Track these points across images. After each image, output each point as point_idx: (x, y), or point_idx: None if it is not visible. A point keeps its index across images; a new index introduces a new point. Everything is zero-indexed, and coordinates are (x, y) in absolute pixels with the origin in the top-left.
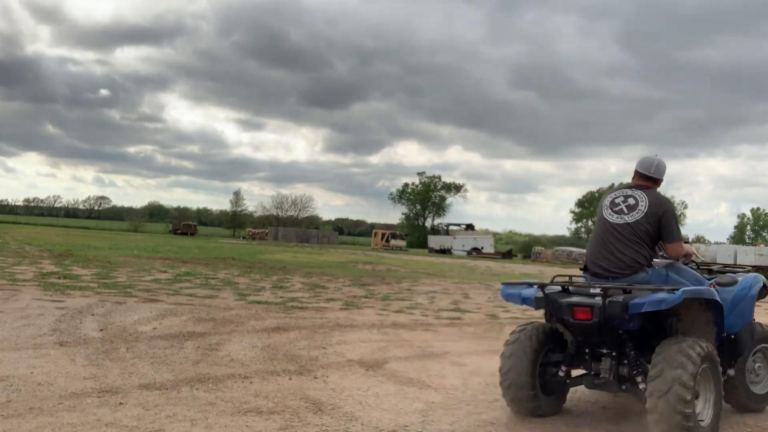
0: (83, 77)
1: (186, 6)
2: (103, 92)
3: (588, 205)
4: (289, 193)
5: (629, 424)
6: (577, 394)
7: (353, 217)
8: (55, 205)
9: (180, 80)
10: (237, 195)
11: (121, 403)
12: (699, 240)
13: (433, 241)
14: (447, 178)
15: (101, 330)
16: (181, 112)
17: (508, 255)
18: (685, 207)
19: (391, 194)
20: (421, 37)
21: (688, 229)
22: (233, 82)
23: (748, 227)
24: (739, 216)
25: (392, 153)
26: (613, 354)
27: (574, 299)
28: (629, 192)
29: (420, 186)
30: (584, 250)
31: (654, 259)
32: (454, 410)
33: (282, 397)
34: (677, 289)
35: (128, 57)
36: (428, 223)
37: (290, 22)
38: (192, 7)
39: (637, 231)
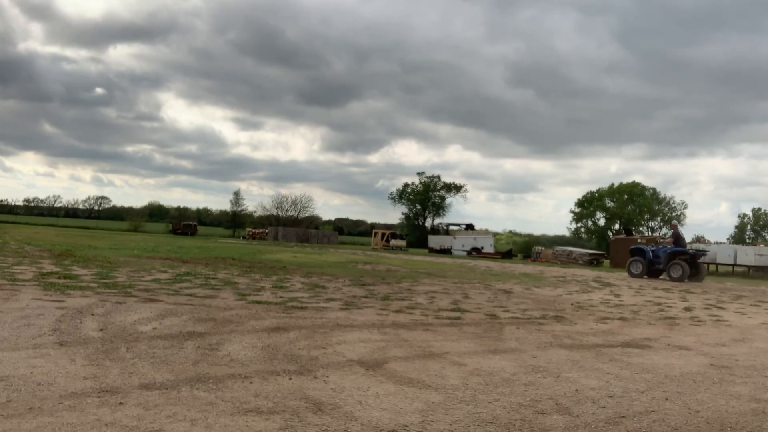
0: (78, 76)
1: (179, 3)
2: (99, 91)
3: (588, 204)
4: (289, 192)
5: (627, 422)
6: (575, 390)
7: (353, 216)
8: (55, 205)
9: (176, 78)
10: (237, 195)
11: (121, 403)
12: (699, 240)
13: (433, 241)
14: (447, 178)
15: (101, 330)
16: (178, 110)
17: (508, 255)
18: (685, 207)
19: (391, 194)
20: (418, 35)
21: (688, 229)
22: (230, 80)
23: (749, 227)
24: (739, 216)
25: (391, 152)
26: None
27: None
28: None
29: (420, 186)
30: (584, 250)
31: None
32: (454, 410)
33: (282, 397)
34: None
35: (122, 55)
36: (428, 223)
37: (286, 19)
38: (185, 5)
39: None
